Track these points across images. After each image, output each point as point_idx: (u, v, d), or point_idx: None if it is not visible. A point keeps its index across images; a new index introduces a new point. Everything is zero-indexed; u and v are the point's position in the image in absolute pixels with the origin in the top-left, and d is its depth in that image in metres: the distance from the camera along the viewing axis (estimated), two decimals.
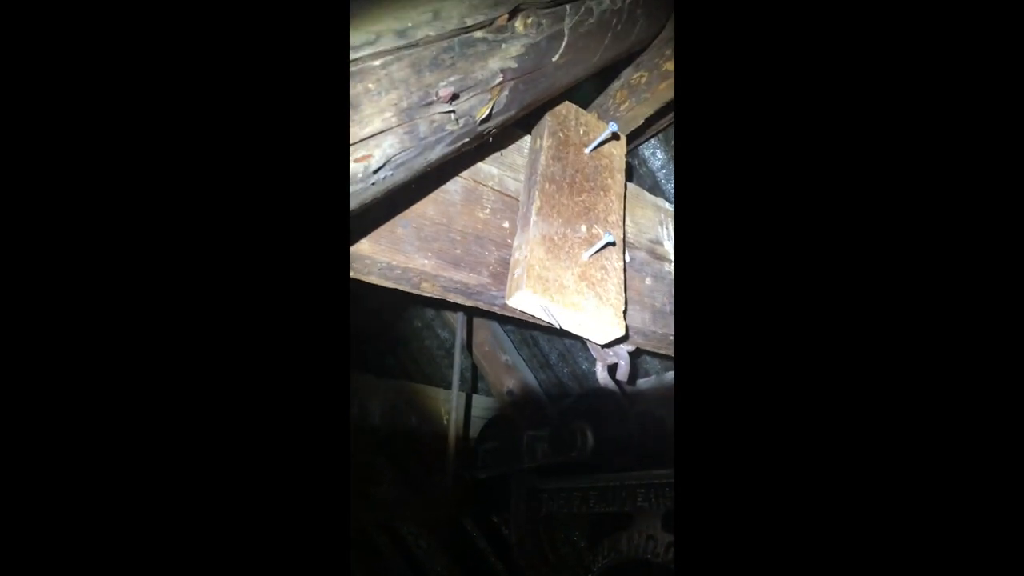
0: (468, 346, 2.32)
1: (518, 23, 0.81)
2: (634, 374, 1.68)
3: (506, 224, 1.03)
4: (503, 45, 0.79)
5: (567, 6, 0.89)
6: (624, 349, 1.18)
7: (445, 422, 2.27)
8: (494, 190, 1.04)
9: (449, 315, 2.40)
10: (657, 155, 1.77)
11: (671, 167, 1.76)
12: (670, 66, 1.25)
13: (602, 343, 1.06)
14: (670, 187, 1.77)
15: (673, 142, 1.75)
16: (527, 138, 1.14)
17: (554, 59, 0.89)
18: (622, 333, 1.02)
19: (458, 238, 0.96)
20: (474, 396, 2.46)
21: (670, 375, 1.67)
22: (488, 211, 1.02)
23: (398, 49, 0.66)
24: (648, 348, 1.23)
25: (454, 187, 0.98)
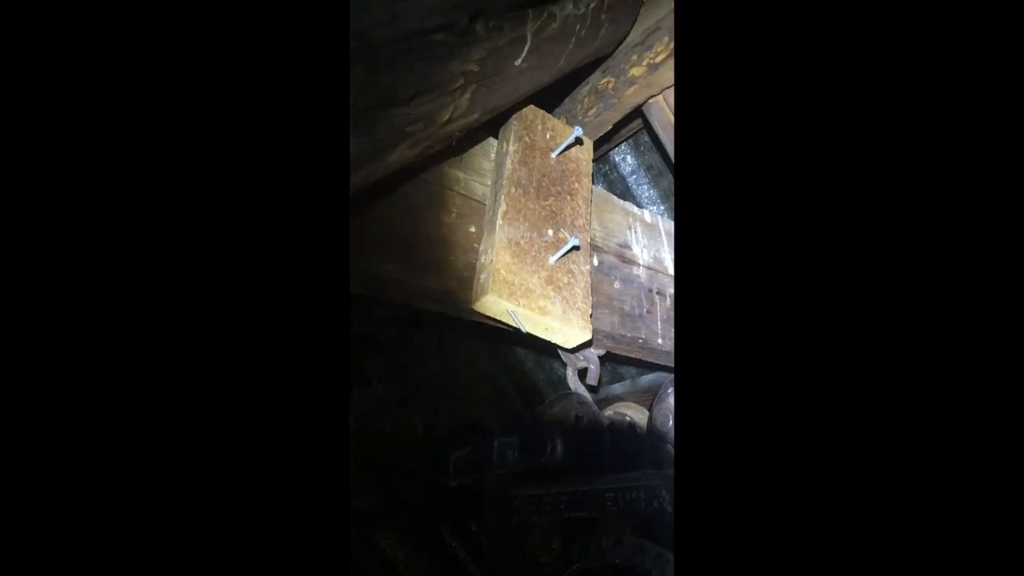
0: (442, 353, 2.30)
1: (479, 27, 0.81)
2: (607, 378, 1.69)
3: (472, 228, 1.02)
4: (464, 48, 0.78)
5: (529, 11, 0.89)
6: (594, 353, 1.18)
7: (419, 431, 2.25)
8: (460, 194, 1.03)
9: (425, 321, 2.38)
10: (627, 160, 1.79)
11: (641, 172, 1.78)
12: (637, 71, 1.26)
13: (569, 347, 1.06)
14: (640, 192, 1.79)
15: (643, 147, 1.77)
16: (493, 142, 1.13)
17: (516, 63, 0.89)
18: (588, 337, 1.01)
19: (423, 243, 0.95)
20: (449, 403, 2.43)
21: (643, 379, 1.67)
22: (454, 215, 1.01)
23: (355, 50, 0.65)
24: (618, 352, 1.23)
25: (419, 191, 0.97)
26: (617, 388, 1.83)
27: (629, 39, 1.22)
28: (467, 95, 0.82)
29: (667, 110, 1.36)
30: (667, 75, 1.26)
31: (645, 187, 1.75)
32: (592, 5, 1.04)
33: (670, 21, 1.17)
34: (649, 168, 1.74)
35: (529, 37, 0.90)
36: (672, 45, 1.20)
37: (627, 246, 1.28)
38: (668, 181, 1.72)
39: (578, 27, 1.01)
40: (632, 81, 1.29)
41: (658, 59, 1.23)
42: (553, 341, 1.03)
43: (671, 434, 0.90)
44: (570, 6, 0.99)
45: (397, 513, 2.05)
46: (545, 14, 0.93)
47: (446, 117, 0.79)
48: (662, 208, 1.74)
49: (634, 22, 1.20)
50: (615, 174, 1.79)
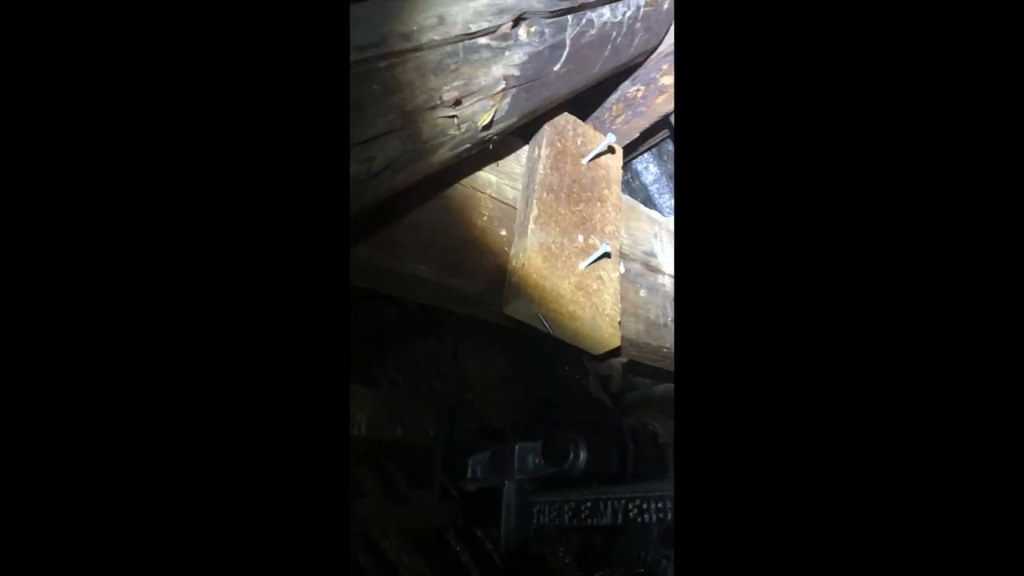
0: (457, 355, 2.30)
1: (522, 31, 0.81)
2: (625, 386, 1.68)
3: (503, 232, 1.02)
4: (506, 52, 0.79)
5: (569, 16, 0.90)
6: (618, 361, 1.18)
7: (431, 433, 2.24)
8: (492, 197, 1.03)
9: (439, 322, 2.37)
10: (650, 169, 1.79)
11: (664, 181, 1.78)
12: (667, 80, 1.26)
13: (597, 354, 1.05)
14: (663, 201, 1.79)
15: (666, 156, 1.77)
16: (525, 147, 1.14)
17: (555, 68, 0.89)
18: (618, 344, 1.01)
19: (455, 245, 0.95)
20: (464, 406, 2.43)
21: (659, 388, 1.66)
22: (486, 218, 1.01)
23: (404, 52, 0.66)
24: (641, 360, 1.23)
25: (452, 193, 0.98)
26: (630, 397, 1.82)
27: (661, 48, 1.22)
28: (508, 99, 0.82)
29: None
30: None
31: (667, 196, 1.75)
32: (628, 13, 1.04)
33: None
34: (671, 177, 1.74)
35: (568, 43, 0.90)
36: None
37: (653, 254, 1.28)
38: None
39: (614, 34, 1.02)
40: (662, 90, 1.29)
41: None
42: (581, 347, 1.02)
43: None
44: (607, 13, 0.99)
45: (401, 516, 2.04)
46: (584, 20, 0.93)
47: (487, 120, 0.80)
48: None
49: (667, 32, 1.20)
50: (637, 182, 1.79)
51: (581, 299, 0.98)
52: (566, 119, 1.14)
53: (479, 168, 1.02)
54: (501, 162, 1.08)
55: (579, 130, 1.15)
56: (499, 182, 1.06)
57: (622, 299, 1.10)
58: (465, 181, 1.01)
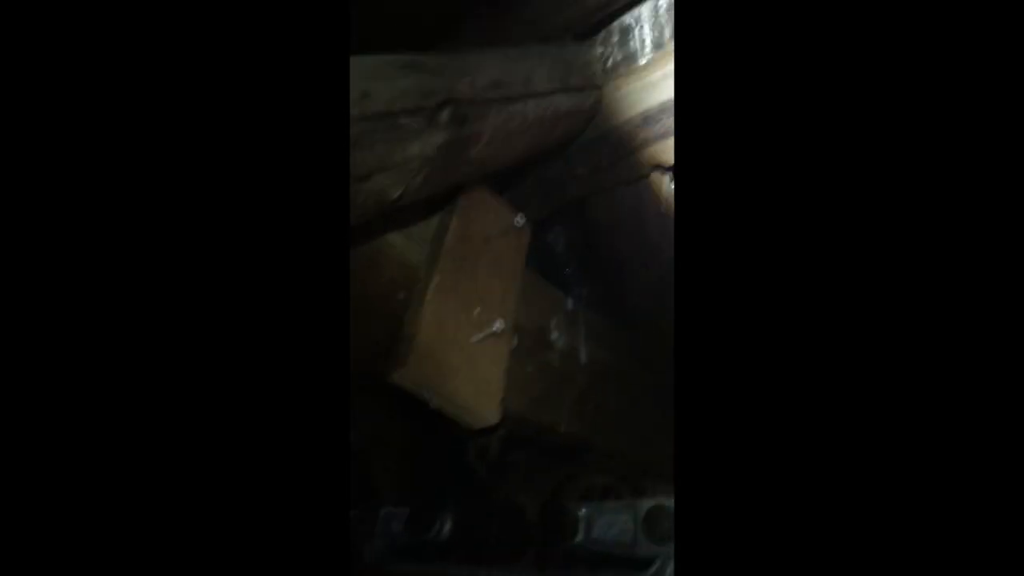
0: None
1: (444, 115, 0.84)
2: (502, 460, 1.69)
3: (401, 295, 1.02)
4: (425, 134, 0.81)
5: (492, 105, 0.94)
6: (496, 435, 1.19)
7: None
8: (395, 260, 1.03)
9: None
10: (559, 241, 1.86)
11: (571, 253, 1.86)
12: (581, 171, 1.34)
13: (476, 428, 1.06)
14: (567, 272, 1.86)
15: (575, 229, 1.85)
16: (437, 215, 1.15)
17: (474, 153, 0.92)
18: (496, 421, 1.03)
19: (351, 303, 0.93)
20: None
21: (534, 466, 1.69)
22: (385, 280, 1.01)
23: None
24: (520, 435, 1.25)
25: (354, 251, 0.97)
26: (507, 472, 1.83)
27: (580, 140, 1.29)
28: (420, 176, 0.83)
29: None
30: (610, 178, 1.34)
31: (569, 270, 1.82)
32: (550, 109, 1.10)
33: (620, 133, 1.26)
34: (578, 251, 1.82)
35: (489, 130, 0.94)
36: (618, 153, 1.29)
37: (546, 331, 1.32)
38: (594, 264, 1.80)
39: (537, 128, 1.07)
40: (576, 177, 1.36)
41: (603, 163, 1.32)
42: (460, 421, 1.03)
43: (570, 531, 0.92)
44: (531, 105, 1.04)
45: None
46: (506, 113, 0.97)
47: (396, 195, 0.80)
48: (584, 291, 1.81)
49: (588, 124, 1.28)
50: (545, 252, 1.85)
51: (467, 373, 0.99)
52: (480, 192, 1.16)
53: (387, 231, 1.02)
54: (410, 226, 1.08)
55: (492, 204, 1.18)
56: (405, 244, 1.06)
57: (510, 373, 1.12)
58: (370, 239, 1.00)
